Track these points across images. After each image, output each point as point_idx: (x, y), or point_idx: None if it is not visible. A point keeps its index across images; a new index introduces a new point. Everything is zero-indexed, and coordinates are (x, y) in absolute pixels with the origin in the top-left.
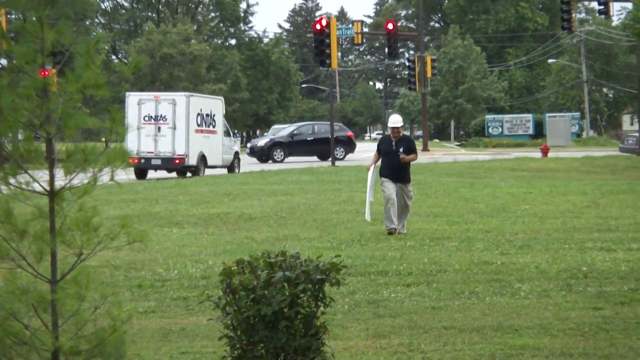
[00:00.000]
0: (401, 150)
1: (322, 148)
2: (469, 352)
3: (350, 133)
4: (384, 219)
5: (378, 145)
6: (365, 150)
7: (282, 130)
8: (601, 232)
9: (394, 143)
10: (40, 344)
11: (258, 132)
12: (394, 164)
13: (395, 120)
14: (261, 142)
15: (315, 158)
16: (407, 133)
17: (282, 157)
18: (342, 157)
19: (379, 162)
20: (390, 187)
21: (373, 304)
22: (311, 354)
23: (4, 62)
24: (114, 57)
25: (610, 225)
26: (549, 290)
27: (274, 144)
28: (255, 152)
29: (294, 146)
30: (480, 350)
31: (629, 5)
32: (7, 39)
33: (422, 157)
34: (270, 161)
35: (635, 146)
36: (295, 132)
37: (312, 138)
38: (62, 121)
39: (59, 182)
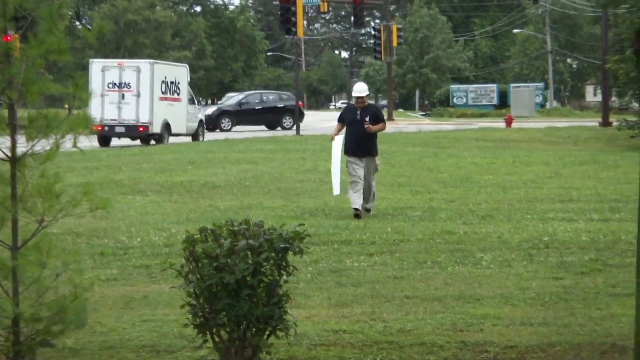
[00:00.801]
0: (367, 119)
1: (269, 117)
2: (430, 321)
3: (300, 103)
4: (350, 198)
5: (341, 114)
6: (331, 119)
7: (230, 99)
8: (563, 202)
9: (358, 112)
10: (1, 311)
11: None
12: (359, 135)
13: (359, 88)
14: (209, 110)
15: (263, 127)
16: (372, 102)
17: (230, 126)
18: (289, 126)
19: (344, 131)
20: (356, 170)
21: (336, 273)
22: (273, 322)
23: None
24: (77, 23)
25: (572, 195)
26: (511, 260)
27: (221, 113)
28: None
29: (241, 115)
30: (442, 319)
31: None
32: None
33: (387, 127)
34: (217, 130)
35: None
36: (243, 101)
37: (260, 107)
38: (25, 87)
39: (21, 149)
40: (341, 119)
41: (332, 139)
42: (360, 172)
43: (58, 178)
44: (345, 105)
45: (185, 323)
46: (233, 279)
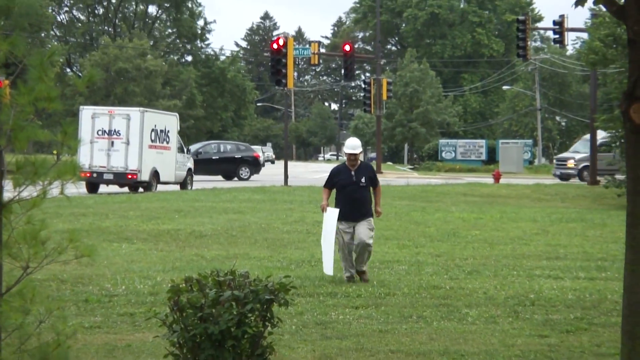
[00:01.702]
0: (363, 180)
1: (227, 167)
2: None
3: (256, 154)
4: (342, 265)
5: (331, 176)
6: (321, 171)
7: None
8: (550, 259)
9: (353, 173)
10: None
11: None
12: (355, 198)
13: (353, 145)
14: None
15: (220, 177)
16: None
17: None
18: (246, 177)
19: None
20: (347, 237)
21: (321, 325)
22: None
23: None
24: (68, 70)
25: (558, 253)
26: (496, 316)
27: None
28: None
29: (198, 164)
30: None
31: (584, 35)
32: None
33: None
34: None
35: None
36: (200, 150)
37: (217, 157)
38: (13, 133)
39: (8, 195)
40: (330, 184)
41: (323, 209)
42: (349, 238)
43: (44, 225)
44: (334, 157)
45: None
46: (217, 329)
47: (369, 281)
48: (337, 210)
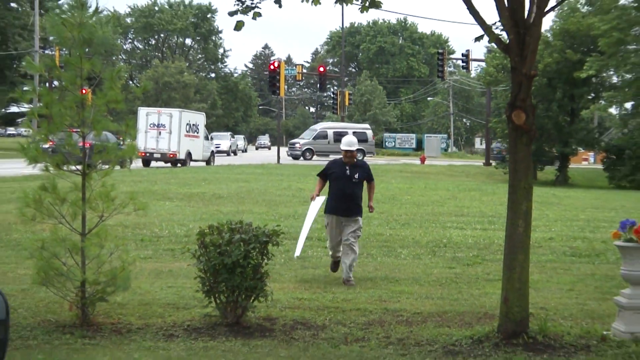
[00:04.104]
0: (356, 176)
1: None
2: (364, 293)
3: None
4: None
5: (326, 169)
6: None
7: None
8: (457, 216)
9: (347, 168)
10: (73, 276)
11: None
12: (346, 193)
13: (349, 141)
14: None
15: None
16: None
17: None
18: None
19: (327, 191)
20: (334, 234)
21: (301, 259)
22: (257, 291)
23: (56, 83)
24: (131, 82)
25: (463, 211)
26: (420, 254)
27: None
28: None
29: None
30: (372, 293)
31: (483, 63)
32: (58, 68)
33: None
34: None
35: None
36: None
37: None
38: (93, 125)
39: (89, 166)
40: (324, 175)
41: (312, 198)
42: (337, 236)
43: (113, 187)
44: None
45: (197, 290)
46: (230, 260)
47: (354, 285)
48: (322, 199)
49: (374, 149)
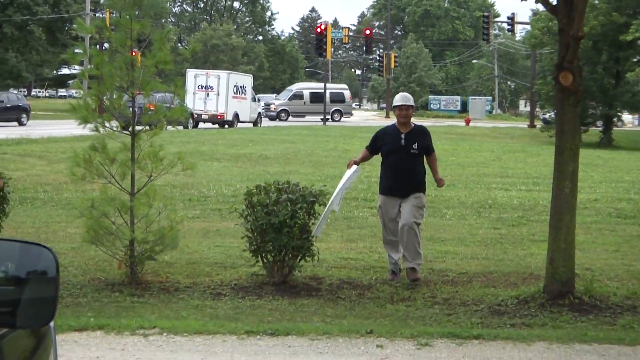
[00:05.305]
0: (415, 147)
1: None
2: None
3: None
4: (387, 257)
5: (375, 138)
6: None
7: None
8: (502, 177)
9: (403, 137)
10: (122, 235)
11: None
12: (404, 169)
13: (404, 97)
14: None
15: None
16: (374, 107)
17: None
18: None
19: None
20: (388, 216)
21: (347, 219)
22: (303, 251)
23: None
24: (179, 45)
25: (507, 173)
26: (465, 215)
27: None
28: None
29: None
30: None
31: (528, 26)
32: (109, 30)
33: (384, 121)
34: None
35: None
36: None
37: None
38: (142, 85)
39: (138, 127)
40: (373, 147)
41: (349, 165)
42: (392, 218)
43: (162, 147)
44: (357, 106)
45: (244, 249)
46: (277, 220)
47: (419, 280)
48: (356, 168)
49: (351, 109)
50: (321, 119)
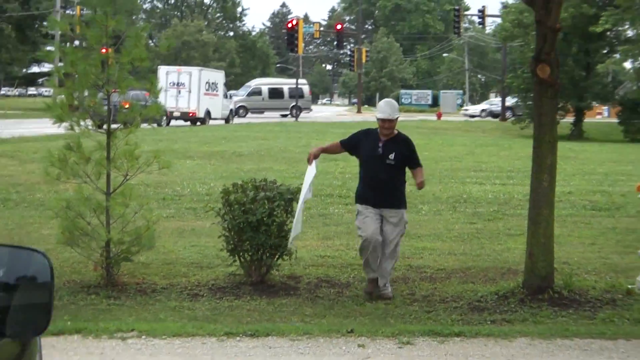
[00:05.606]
0: (391, 157)
1: None
2: None
3: None
4: (363, 268)
5: (354, 136)
6: (318, 111)
7: None
8: (475, 171)
9: (380, 145)
10: (98, 236)
11: None
12: (380, 178)
13: (387, 109)
14: None
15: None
16: (345, 103)
17: None
18: None
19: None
20: (370, 224)
21: (322, 217)
22: (281, 249)
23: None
24: (151, 41)
25: (481, 167)
26: (441, 210)
27: None
28: None
29: None
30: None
31: (498, 19)
32: (82, 26)
33: (356, 117)
34: None
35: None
36: None
37: None
38: (117, 83)
39: (113, 125)
40: (347, 144)
41: (308, 160)
42: (376, 228)
43: (137, 146)
44: (328, 102)
45: (221, 248)
46: (255, 219)
47: (392, 298)
48: (314, 165)
49: (310, 105)
50: (281, 115)
